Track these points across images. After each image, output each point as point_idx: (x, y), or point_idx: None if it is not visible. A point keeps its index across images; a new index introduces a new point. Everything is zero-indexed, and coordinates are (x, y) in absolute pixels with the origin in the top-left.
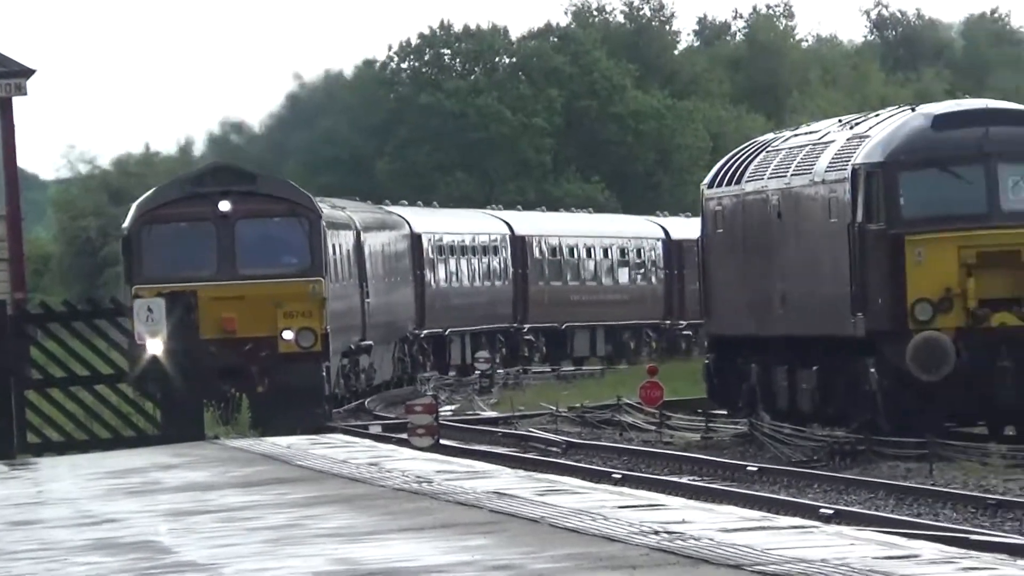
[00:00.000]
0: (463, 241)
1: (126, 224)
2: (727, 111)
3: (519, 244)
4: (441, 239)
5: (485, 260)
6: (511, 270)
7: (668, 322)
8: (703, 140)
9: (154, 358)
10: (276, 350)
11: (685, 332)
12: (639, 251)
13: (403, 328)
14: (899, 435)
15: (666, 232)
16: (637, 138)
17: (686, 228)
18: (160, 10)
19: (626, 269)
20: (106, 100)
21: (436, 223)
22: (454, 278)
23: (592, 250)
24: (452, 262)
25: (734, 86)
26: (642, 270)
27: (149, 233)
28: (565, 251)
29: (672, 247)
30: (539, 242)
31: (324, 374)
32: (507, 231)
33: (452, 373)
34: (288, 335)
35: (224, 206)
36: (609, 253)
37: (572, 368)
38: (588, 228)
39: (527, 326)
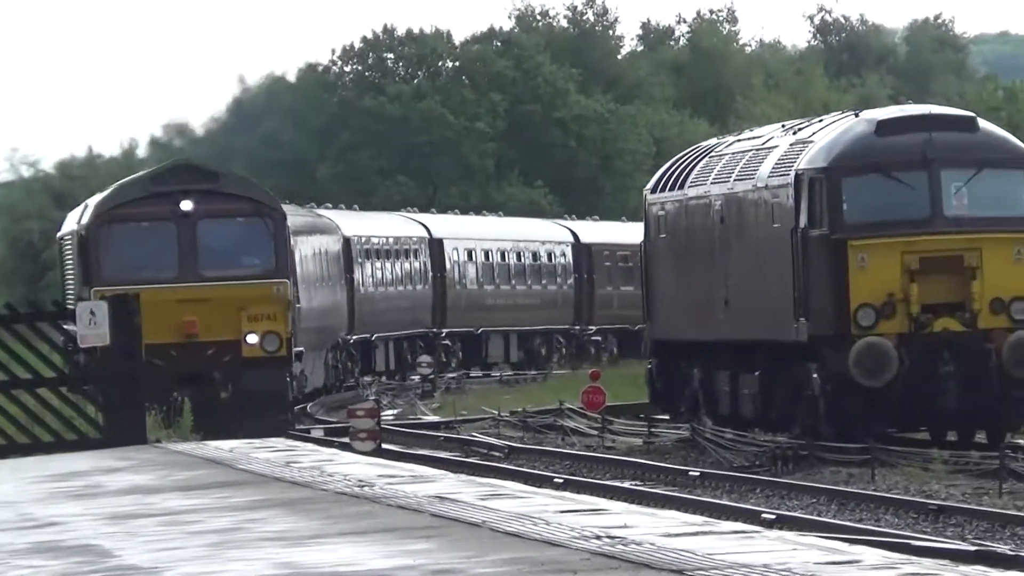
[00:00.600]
0: (387, 245)
1: (83, 223)
2: (670, 116)
3: (437, 247)
4: (368, 242)
5: (408, 264)
6: (430, 274)
7: (578, 327)
8: (646, 145)
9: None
10: (240, 355)
11: (595, 338)
12: (550, 255)
13: (335, 333)
14: (841, 440)
15: (575, 236)
16: (580, 143)
17: (595, 232)
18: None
19: (538, 273)
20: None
21: (364, 226)
22: (380, 283)
23: (506, 254)
24: (378, 266)
25: (677, 91)
26: (552, 274)
27: (108, 233)
28: (480, 254)
29: (582, 251)
30: (455, 245)
31: (289, 379)
32: (426, 234)
33: (382, 379)
34: (252, 339)
35: (186, 205)
36: (522, 257)
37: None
38: (501, 231)
39: (445, 331)
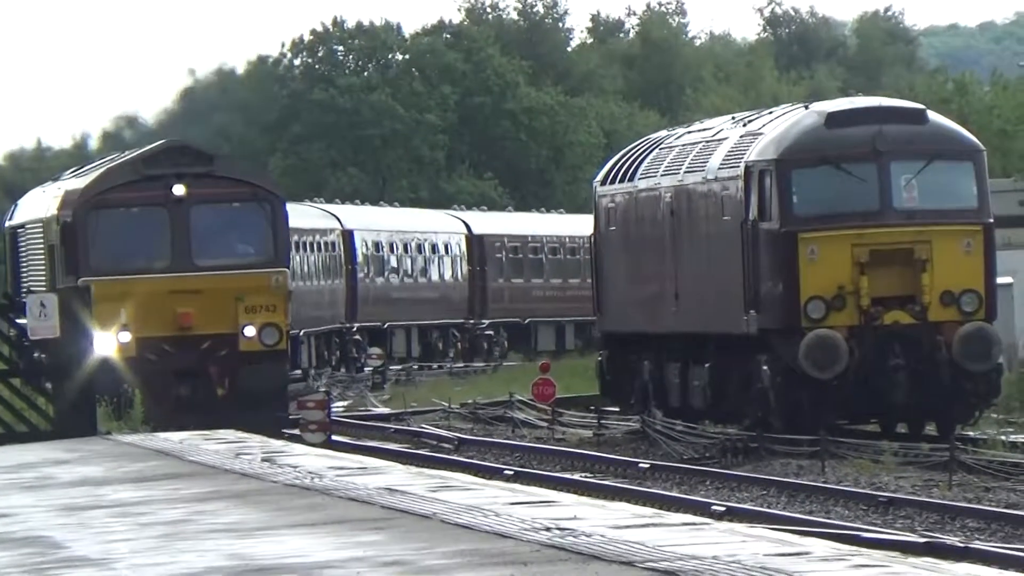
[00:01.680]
0: (308, 239)
1: (65, 209)
2: (620, 108)
3: (349, 239)
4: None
5: (324, 256)
6: (344, 267)
7: (471, 321)
8: (596, 137)
9: (105, 360)
10: (237, 348)
11: (487, 332)
12: (446, 246)
13: None
14: (791, 433)
15: (468, 226)
16: (530, 135)
17: (487, 223)
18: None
19: (435, 266)
20: None
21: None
22: (305, 277)
23: (408, 246)
24: (304, 259)
25: (627, 83)
26: (447, 266)
27: (96, 220)
28: (385, 246)
29: (474, 242)
30: (363, 237)
31: (288, 374)
32: (338, 226)
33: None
34: (250, 332)
35: (178, 190)
36: (422, 248)
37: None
38: (402, 223)
39: (356, 325)
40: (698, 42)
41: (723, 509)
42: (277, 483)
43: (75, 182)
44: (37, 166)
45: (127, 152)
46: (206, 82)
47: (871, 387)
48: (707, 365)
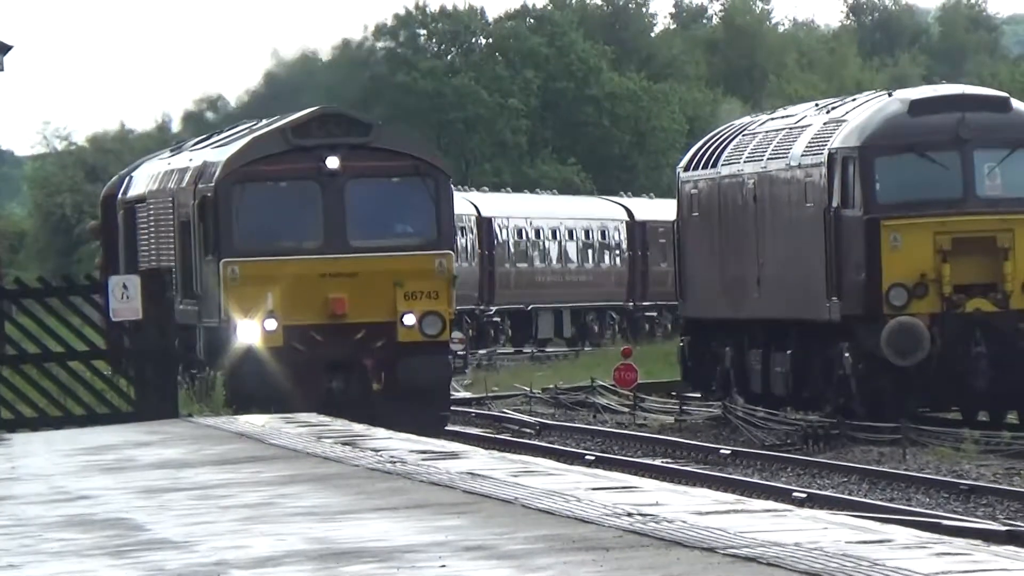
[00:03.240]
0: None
1: (203, 182)
2: (703, 94)
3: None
4: None
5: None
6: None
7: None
8: (679, 123)
9: (249, 350)
10: (395, 339)
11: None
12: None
13: None
14: (872, 420)
15: (630, 213)
16: (613, 120)
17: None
18: None
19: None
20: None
21: None
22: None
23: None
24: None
25: (710, 69)
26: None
27: (241, 194)
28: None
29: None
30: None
31: (452, 368)
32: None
33: None
34: (410, 320)
35: (332, 163)
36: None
37: (550, 350)
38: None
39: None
40: (781, 28)
41: (804, 496)
42: (359, 467)
43: (212, 153)
44: (120, 148)
45: (266, 120)
46: (290, 65)
47: (952, 374)
48: (789, 352)
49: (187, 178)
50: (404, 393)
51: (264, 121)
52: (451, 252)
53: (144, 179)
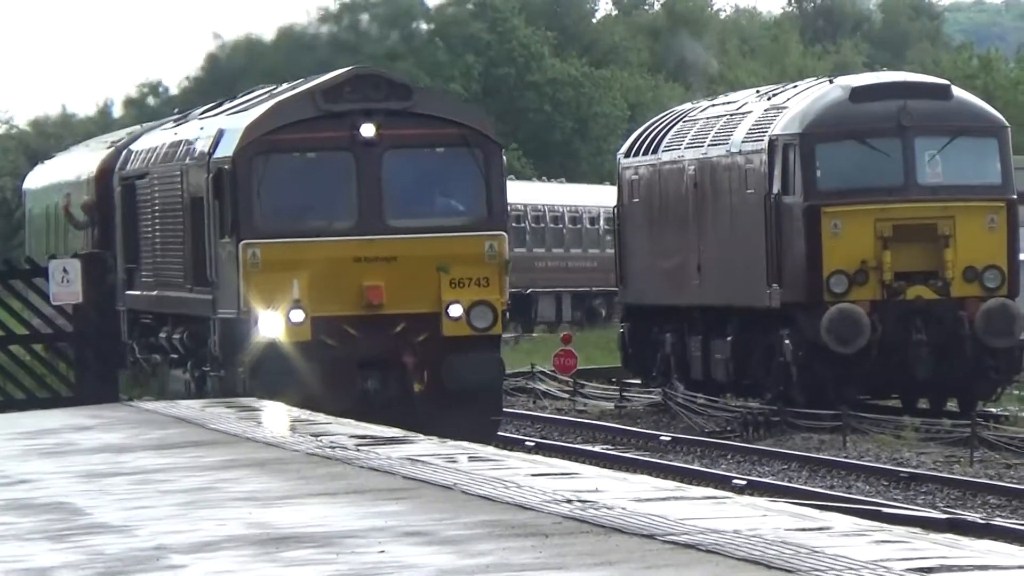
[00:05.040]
0: None
1: (220, 152)
2: (645, 80)
3: None
4: None
5: None
6: None
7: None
8: (621, 109)
9: (272, 345)
10: (439, 333)
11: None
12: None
13: None
14: (813, 407)
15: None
16: (555, 106)
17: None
18: None
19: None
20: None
21: None
22: None
23: (541, 218)
24: None
25: (652, 55)
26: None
27: (264, 167)
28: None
29: None
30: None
31: (504, 367)
32: None
33: None
34: (456, 312)
35: (367, 131)
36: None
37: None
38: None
39: None
40: (723, 15)
41: (744, 483)
42: (299, 452)
43: (228, 120)
44: (61, 132)
45: (287, 84)
46: (232, 49)
47: (893, 362)
48: (729, 338)
49: (199, 149)
50: (449, 395)
51: (286, 84)
52: (504, 233)
53: (146, 151)
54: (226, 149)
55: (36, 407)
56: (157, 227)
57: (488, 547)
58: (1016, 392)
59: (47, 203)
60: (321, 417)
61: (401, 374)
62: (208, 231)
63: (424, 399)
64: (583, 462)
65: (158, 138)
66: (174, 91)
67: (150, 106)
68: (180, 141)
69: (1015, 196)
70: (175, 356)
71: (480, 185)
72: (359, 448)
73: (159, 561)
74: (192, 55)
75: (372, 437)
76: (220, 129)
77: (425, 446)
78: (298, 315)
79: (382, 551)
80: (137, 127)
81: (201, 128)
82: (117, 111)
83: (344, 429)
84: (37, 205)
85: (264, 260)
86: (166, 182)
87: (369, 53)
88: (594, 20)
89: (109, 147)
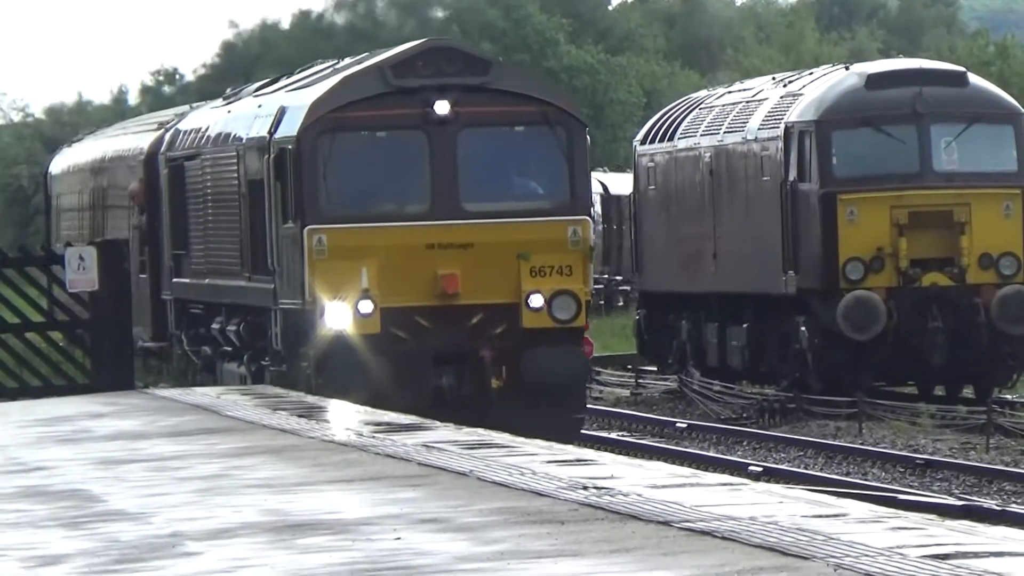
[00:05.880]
0: None
1: (281, 132)
2: (661, 67)
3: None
4: None
5: None
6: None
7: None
8: (636, 96)
9: (339, 338)
10: (518, 325)
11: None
12: None
13: None
14: (829, 394)
15: (604, 188)
16: (570, 93)
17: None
18: None
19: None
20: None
21: None
22: None
23: None
24: None
25: (668, 42)
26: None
27: (331, 146)
28: None
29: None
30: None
31: (588, 362)
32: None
33: None
34: (537, 302)
35: (442, 108)
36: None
37: None
38: None
39: None
40: (739, 2)
41: (760, 470)
42: (314, 439)
43: (290, 96)
44: (77, 120)
45: (350, 59)
46: (248, 36)
47: (909, 349)
48: (745, 325)
49: (257, 128)
50: (529, 392)
51: (349, 59)
52: (588, 218)
53: (194, 131)
54: (289, 128)
55: (52, 394)
56: (210, 211)
57: (504, 534)
58: None
59: (80, 187)
60: (335, 403)
61: (478, 369)
62: (269, 216)
63: (502, 396)
64: (599, 449)
65: (208, 117)
66: (190, 78)
67: (165, 94)
68: (235, 119)
69: None
70: (228, 349)
71: (562, 166)
72: (375, 435)
73: (174, 548)
74: (208, 42)
75: (388, 424)
76: (282, 107)
77: (441, 433)
78: (367, 306)
79: (398, 538)
80: (185, 107)
81: (259, 106)
82: (132, 98)
83: (359, 416)
84: (67, 189)
85: (331, 247)
86: (220, 163)
87: (385, 41)
88: (610, 7)
89: (157, 128)
